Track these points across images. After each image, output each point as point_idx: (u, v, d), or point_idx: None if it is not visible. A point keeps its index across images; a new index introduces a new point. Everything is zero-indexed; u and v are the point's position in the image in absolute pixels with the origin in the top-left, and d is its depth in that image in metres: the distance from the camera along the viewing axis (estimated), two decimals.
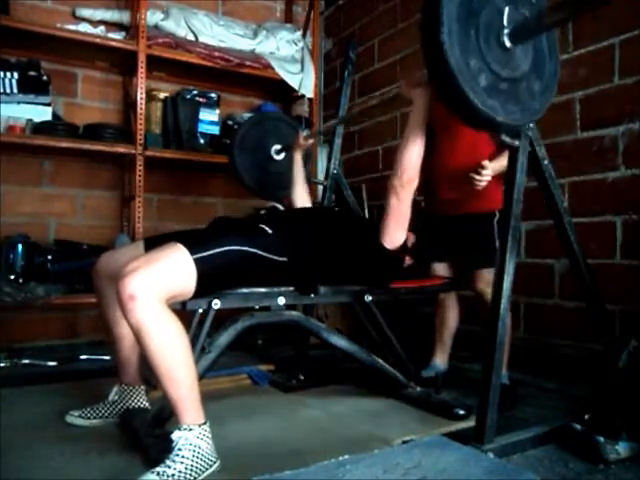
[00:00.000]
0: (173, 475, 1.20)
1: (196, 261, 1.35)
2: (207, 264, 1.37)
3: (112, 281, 1.47)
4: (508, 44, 1.32)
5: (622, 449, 1.44)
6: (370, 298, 1.83)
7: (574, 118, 2.29)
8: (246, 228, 1.63)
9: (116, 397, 1.69)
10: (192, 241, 1.40)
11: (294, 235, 1.66)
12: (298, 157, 2.28)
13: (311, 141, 2.42)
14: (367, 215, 3.10)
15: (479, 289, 2.08)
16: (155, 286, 1.25)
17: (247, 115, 3.36)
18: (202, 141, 3.18)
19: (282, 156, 2.55)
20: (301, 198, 2.21)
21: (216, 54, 3.08)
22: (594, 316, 1.79)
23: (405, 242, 1.77)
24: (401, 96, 1.82)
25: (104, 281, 1.61)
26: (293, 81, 3.34)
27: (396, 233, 1.72)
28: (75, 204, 3.08)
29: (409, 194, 1.68)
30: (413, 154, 1.65)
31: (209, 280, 1.41)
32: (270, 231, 1.59)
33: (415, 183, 1.68)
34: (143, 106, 2.87)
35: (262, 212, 3.06)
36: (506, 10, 1.31)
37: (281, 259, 1.56)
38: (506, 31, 1.31)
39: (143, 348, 1.26)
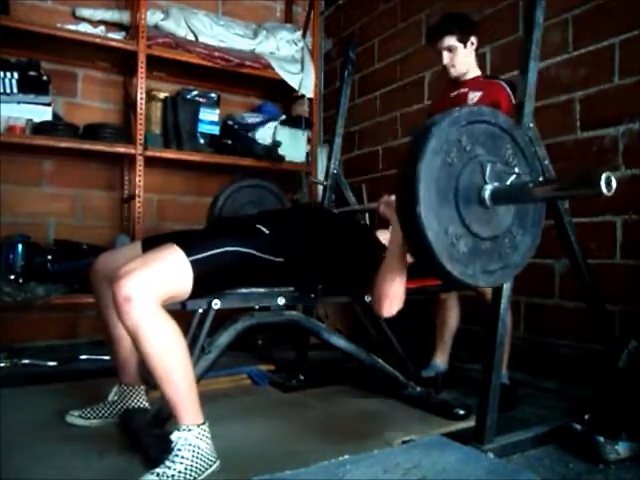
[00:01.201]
0: (173, 476, 1.20)
1: (192, 263, 1.35)
2: (203, 265, 1.37)
3: (110, 281, 1.46)
4: (489, 204, 1.25)
5: (622, 449, 1.44)
6: (370, 298, 1.83)
7: (574, 118, 2.29)
8: (242, 229, 1.63)
9: (116, 397, 1.69)
10: (188, 242, 1.40)
11: (291, 235, 1.65)
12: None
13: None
14: (367, 215, 3.10)
15: (480, 289, 2.08)
16: (151, 288, 1.25)
17: (247, 115, 3.36)
18: (202, 141, 3.18)
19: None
20: None
21: (216, 54, 3.08)
22: (594, 316, 1.79)
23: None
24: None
25: (102, 281, 1.61)
26: (293, 81, 3.34)
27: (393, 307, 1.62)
28: (75, 204, 3.07)
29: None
30: (394, 283, 1.54)
31: (205, 281, 1.40)
32: (266, 231, 1.58)
33: (395, 311, 1.58)
34: (143, 106, 2.87)
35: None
36: (488, 167, 1.25)
37: (277, 259, 1.56)
38: (488, 189, 1.24)
39: (140, 350, 1.26)
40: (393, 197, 1.62)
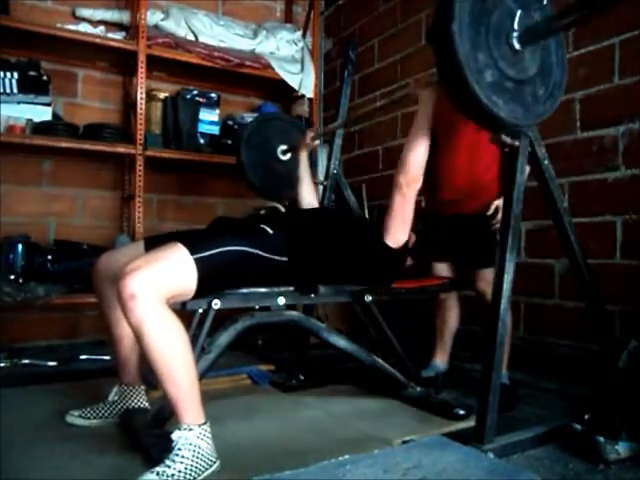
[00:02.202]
0: (173, 475, 1.20)
1: (197, 261, 1.35)
2: (207, 264, 1.37)
3: (112, 281, 1.47)
4: (517, 46, 1.34)
5: (622, 449, 1.44)
6: (370, 298, 1.83)
7: (574, 118, 2.29)
8: (246, 228, 1.63)
9: (116, 397, 1.69)
10: (192, 241, 1.40)
11: (295, 235, 1.66)
12: (304, 157, 2.26)
13: (317, 142, 2.42)
14: (367, 215, 3.10)
15: (480, 289, 2.08)
16: (156, 286, 1.25)
17: (247, 115, 3.37)
18: (202, 141, 3.18)
19: (288, 157, 2.55)
20: (308, 197, 2.20)
21: (216, 54, 3.08)
22: (594, 316, 1.79)
23: (407, 242, 1.77)
24: (409, 96, 1.86)
25: (104, 281, 1.61)
26: (293, 81, 3.34)
27: (400, 232, 1.74)
28: (75, 204, 3.08)
29: (414, 193, 1.72)
30: (418, 153, 1.70)
31: (210, 280, 1.41)
32: (270, 231, 1.58)
33: (420, 182, 1.72)
34: (143, 106, 2.87)
35: (262, 212, 3.07)
36: (518, 13, 1.34)
37: (281, 259, 1.56)
38: (515, 34, 1.34)
39: (143, 348, 1.26)
40: (424, 77, 1.73)
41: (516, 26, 1.34)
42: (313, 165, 2.61)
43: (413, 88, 1.82)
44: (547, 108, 1.48)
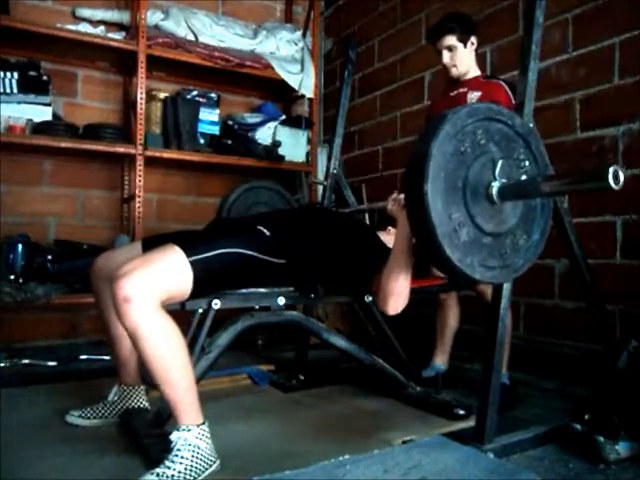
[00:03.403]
0: (173, 476, 1.21)
1: (192, 263, 1.35)
2: (203, 266, 1.37)
3: (110, 281, 1.46)
4: (496, 200, 1.25)
5: (622, 449, 1.44)
6: (370, 298, 1.83)
7: (574, 118, 2.29)
8: (243, 230, 1.62)
9: (116, 397, 1.69)
10: (189, 243, 1.39)
11: (292, 236, 1.65)
12: None
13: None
14: (367, 215, 3.10)
15: (480, 289, 2.08)
16: (150, 288, 1.25)
17: (247, 115, 3.36)
18: (202, 141, 3.17)
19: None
20: None
21: (216, 54, 3.08)
22: (594, 316, 1.79)
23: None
24: (389, 213, 1.75)
25: (102, 281, 1.61)
26: (293, 81, 3.34)
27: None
28: (75, 204, 3.07)
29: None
30: (399, 280, 1.51)
31: (205, 282, 1.40)
32: (267, 233, 1.58)
33: (401, 309, 1.56)
34: (143, 106, 2.86)
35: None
36: (499, 163, 1.25)
37: (279, 261, 1.56)
38: (496, 185, 1.25)
39: (139, 350, 1.26)
40: (402, 195, 1.63)
41: (497, 177, 1.25)
42: None
43: (391, 207, 1.71)
44: (529, 257, 1.36)
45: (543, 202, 1.39)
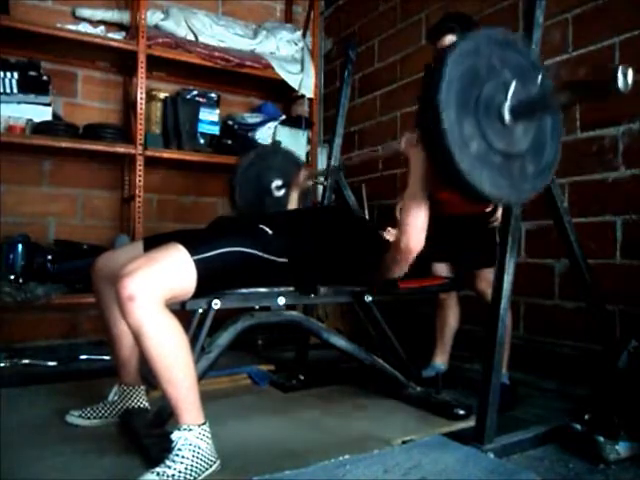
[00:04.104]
0: (173, 475, 1.21)
1: (196, 262, 1.35)
2: (207, 265, 1.37)
3: (111, 281, 1.47)
4: (508, 119, 1.28)
5: (622, 449, 1.44)
6: (370, 298, 1.83)
7: (574, 118, 2.29)
8: (246, 229, 1.63)
9: (116, 397, 1.69)
10: (192, 242, 1.40)
11: (295, 235, 1.66)
12: (294, 197, 2.26)
13: (310, 182, 2.40)
14: (367, 215, 3.10)
15: (480, 289, 2.08)
16: (155, 287, 1.25)
17: (247, 115, 3.36)
18: (202, 141, 3.17)
19: (282, 193, 2.49)
20: None
21: (216, 54, 3.08)
22: (594, 316, 1.79)
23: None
24: (401, 154, 1.77)
25: (103, 281, 1.61)
26: (293, 81, 3.34)
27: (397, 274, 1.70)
28: (75, 204, 3.07)
29: (414, 255, 1.63)
30: (419, 218, 1.58)
31: (209, 281, 1.41)
32: (270, 231, 1.58)
33: (421, 246, 1.61)
34: (143, 106, 2.86)
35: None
36: (512, 84, 1.28)
37: (281, 260, 1.56)
38: (508, 106, 1.28)
39: (142, 349, 1.26)
40: (414, 134, 1.66)
41: (509, 98, 1.27)
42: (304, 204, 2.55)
43: (403, 147, 1.73)
44: (535, 186, 1.40)
45: (553, 139, 1.42)
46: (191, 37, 3.12)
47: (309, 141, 3.44)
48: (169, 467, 1.21)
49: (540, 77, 1.35)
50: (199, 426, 1.28)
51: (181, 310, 1.45)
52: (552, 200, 1.67)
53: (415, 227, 1.58)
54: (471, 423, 1.58)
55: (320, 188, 2.66)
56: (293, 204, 2.25)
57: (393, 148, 1.87)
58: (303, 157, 3.37)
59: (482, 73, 1.27)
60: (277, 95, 3.65)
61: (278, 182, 2.51)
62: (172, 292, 1.31)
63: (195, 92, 3.24)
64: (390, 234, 1.85)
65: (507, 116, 1.28)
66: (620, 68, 1.07)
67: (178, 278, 1.34)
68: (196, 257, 1.36)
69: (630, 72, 1.08)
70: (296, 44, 3.48)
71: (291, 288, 1.70)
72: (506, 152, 1.31)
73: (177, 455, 1.23)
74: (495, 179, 1.29)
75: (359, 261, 1.76)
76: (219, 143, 3.20)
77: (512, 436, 1.53)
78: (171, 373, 1.26)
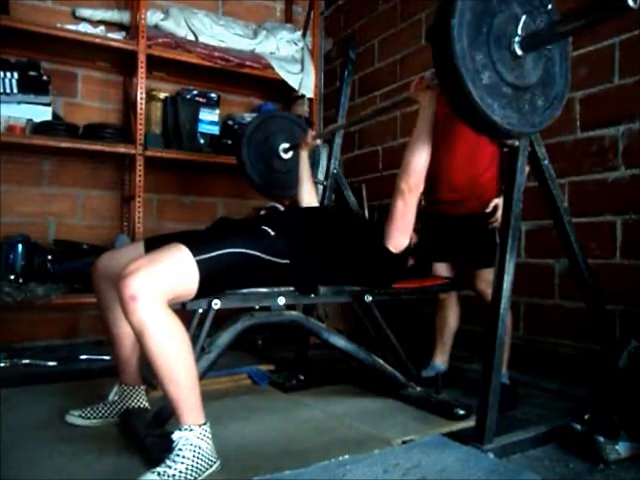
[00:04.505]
0: (174, 475, 1.21)
1: (199, 263, 1.35)
2: (209, 266, 1.37)
3: (111, 282, 1.47)
4: (519, 51, 1.33)
5: (622, 449, 1.44)
6: (370, 298, 1.83)
7: (574, 118, 2.29)
8: (248, 230, 1.63)
9: (116, 397, 1.69)
10: (194, 243, 1.40)
11: (296, 236, 1.65)
12: (305, 156, 2.27)
13: (318, 141, 2.41)
14: (367, 215, 3.10)
15: (480, 289, 2.08)
16: (157, 287, 1.25)
17: (247, 115, 3.36)
18: (202, 141, 3.18)
19: (289, 155, 2.53)
20: (307, 197, 2.20)
21: (216, 54, 3.08)
22: (594, 316, 1.79)
23: (408, 245, 1.77)
24: (409, 98, 1.82)
25: (103, 282, 1.61)
26: (293, 81, 3.34)
27: (401, 237, 1.72)
28: (75, 204, 3.07)
29: (415, 198, 1.70)
30: (420, 158, 1.67)
31: (211, 282, 1.41)
32: (272, 233, 1.58)
33: (421, 187, 1.70)
34: (143, 106, 2.87)
35: (262, 212, 3.06)
36: (522, 18, 1.32)
37: (283, 261, 1.56)
38: (518, 38, 1.32)
39: (144, 349, 1.26)
40: (424, 79, 1.76)
41: (519, 31, 1.31)
42: (314, 165, 2.59)
43: (413, 91, 1.79)
44: (545, 119, 1.45)
45: (562, 71, 1.47)
46: (191, 37, 3.12)
47: None
48: (170, 467, 1.22)
49: (549, 6, 1.39)
50: (200, 426, 1.28)
51: (181, 310, 1.45)
52: (552, 200, 1.67)
53: (416, 166, 1.66)
54: (471, 423, 1.58)
55: (320, 188, 2.66)
56: (303, 164, 2.25)
57: (402, 97, 1.91)
58: None
59: (494, 3, 1.30)
60: (277, 95, 3.66)
61: (285, 145, 2.52)
62: (174, 292, 1.31)
63: (195, 92, 3.24)
64: None
65: (518, 48, 1.32)
66: None
67: (181, 278, 1.34)
68: (199, 258, 1.36)
69: None
70: (296, 44, 3.48)
71: (291, 288, 1.70)
72: (516, 84, 1.35)
73: (178, 455, 1.24)
74: (505, 110, 1.33)
75: (360, 262, 1.76)
76: (219, 143, 3.20)
77: (512, 436, 1.53)
78: (173, 373, 1.26)
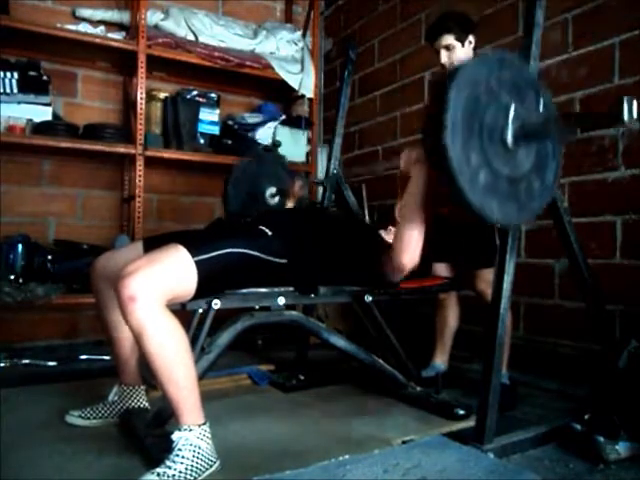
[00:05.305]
0: (173, 475, 1.21)
1: (197, 263, 1.35)
2: (208, 266, 1.37)
3: (110, 282, 1.47)
4: (511, 144, 1.31)
5: (622, 449, 1.44)
6: (370, 298, 1.83)
7: None
8: (246, 230, 1.63)
9: (116, 397, 1.69)
10: (193, 243, 1.40)
11: (294, 236, 1.65)
12: (290, 205, 2.27)
13: (305, 191, 2.40)
14: (367, 215, 3.10)
15: (479, 289, 2.08)
16: (156, 287, 1.25)
17: (247, 115, 3.36)
18: (202, 141, 3.17)
19: (276, 201, 2.45)
20: None
21: (216, 54, 3.08)
22: (594, 316, 1.79)
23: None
24: (401, 171, 1.77)
25: (102, 282, 1.61)
26: (293, 81, 3.34)
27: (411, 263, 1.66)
28: (75, 204, 3.07)
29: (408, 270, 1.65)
30: (412, 237, 1.59)
31: (209, 282, 1.41)
32: (269, 233, 1.58)
33: (417, 261, 1.63)
34: (143, 106, 2.86)
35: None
36: (512, 107, 1.30)
37: (281, 261, 1.56)
38: (510, 130, 1.30)
39: (143, 349, 1.26)
40: (414, 152, 1.67)
41: (510, 122, 1.30)
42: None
43: (403, 165, 1.73)
44: (542, 202, 1.44)
45: (554, 147, 1.44)
46: (191, 37, 3.12)
47: (309, 141, 3.44)
48: (169, 467, 1.22)
49: (542, 102, 1.37)
50: (199, 426, 1.28)
51: (181, 310, 1.45)
52: (552, 200, 1.67)
53: (409, 245, 1.59)
54: (471, 423, 1.58)
55: (320, 188, 2.66)
56: None
57: (393, 164, 1.87)
58: (303, 157, 3.38)
59: (482, 99, 1.28)
60: (277, 95, 3.65)
61: (272, 190, 2.48)
62: (173, 293, 1.31)
63: (195, 92, 3.24)
64: (392, 233, 1.85)
65: (510, 141, 1.30)
66: (625, 99, 1.08)
67: (179, 279, 1.34)
68: (197, 258, 1.36)
69: (635, 107, 1.08)
70: (296, 44, 3.48)
71: (291, 288, 1.70)
72: (512, 176, 1.34)
73: (177, 455, 1.24)
74: (505, 206, 1.32)
75: (358, 262, 1.76)
76: (219, 143, 3.20)
77: (512, 436, 1.53)
78: (171, 373, 1.26)
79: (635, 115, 1.09)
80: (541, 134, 1.36)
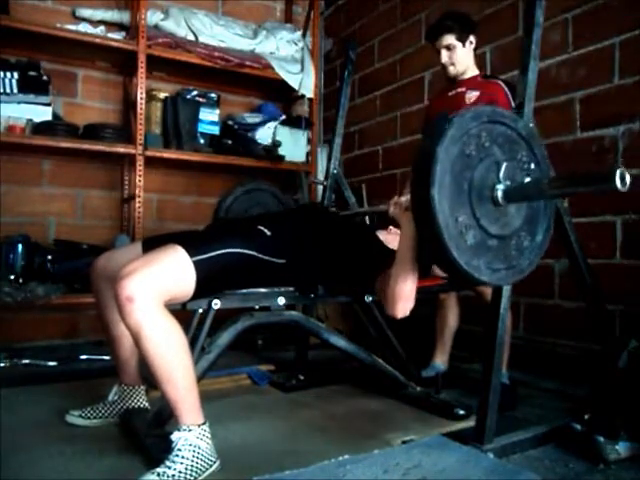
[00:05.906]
0: (173, 475, 1.21)
1: (195, 263, 1.35)
2: (206, 267, 1.37)
3: (109, 282, 1.46)
4: (501, 202, 1.27)
5: (622, 449, 1.44)
6: (370, 298, 1.83)
7: (574, 118, 2.29)
8: (244, 230, 1.63)
9: (116, 397, 1.69)
10: (191, 243, 1.40)
11: (293, 236, 1.65)
12: None
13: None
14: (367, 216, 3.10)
15: (480, 289, 2.08)
16: (154, 288, 1.25)
17: (247, 115, 3.36)
18: (202, 141, 3.18)
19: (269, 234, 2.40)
20: None
21: (216, 54, 3.08)
22: (594, 316, 1.79)
23: None
24: (391, 217, 1.71)
25: (102, 282, 1.60)
26: (293, 81, 3.34)
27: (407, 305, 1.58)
28: (75, 204, 3.07)
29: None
30: (405, 289, 1.48)
31: (208, 282, 1.40)
32: (268, 233, 1.58)
33: (409, 310, 1.53)
34: (143, 106, 2.87)
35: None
36: (503, 166, 1.27)
37: (280, 261, 1.56)
38: (501, 187, 1.26)
39: (141, 350, 1.26)
40: (403, 198, 1.63)
41: (501, 179, 1.26)
42: None
43: (393, 210, 1.68)
44: (533, 258, 1.37)
45: (546, 203, 1.40)
46: (191, 37, 3.12)
47: (309, 141, 3.44)
48: (169, 467, 1.22)
49: (534, 165, 1.34)
50: (199, 426, 1.28)
51: (181, 310, 1.45)
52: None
53: (401, 297, 1.49)
54: (471, 423, 1.58)
55: (320, 188, 2.66)
56: None
57: (382, 210, 1.79)
58: (303, 157, 3.38)
59: (472, 155, 1.24)
60: (277, 95, 3.66)
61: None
62: (171, 293, 1.31)
63: (195, 92, 3.24)
64: (391, 233, 1.85)
65: (501, 199, 1.26)
66: (618, 172, 1.06)
67: (177, 279, 1.34)
68: (195, 258, 1.35)
69: (628, 177, 1.07)
70: (296, 44, 3.48)
71: (291, 288, 1.70)
72: (501, 234, 1.30)
73: (177, 455, 1.23)
74: (492, 264, 1.28)
75: (357, 262, 1.75)
76: (219, 143, 3.20)
77: (512, 436, 1.53)
78: (170, 374, 1.26)
79: (628, 184, 1.08)
80: (532, 197, 1.31)
